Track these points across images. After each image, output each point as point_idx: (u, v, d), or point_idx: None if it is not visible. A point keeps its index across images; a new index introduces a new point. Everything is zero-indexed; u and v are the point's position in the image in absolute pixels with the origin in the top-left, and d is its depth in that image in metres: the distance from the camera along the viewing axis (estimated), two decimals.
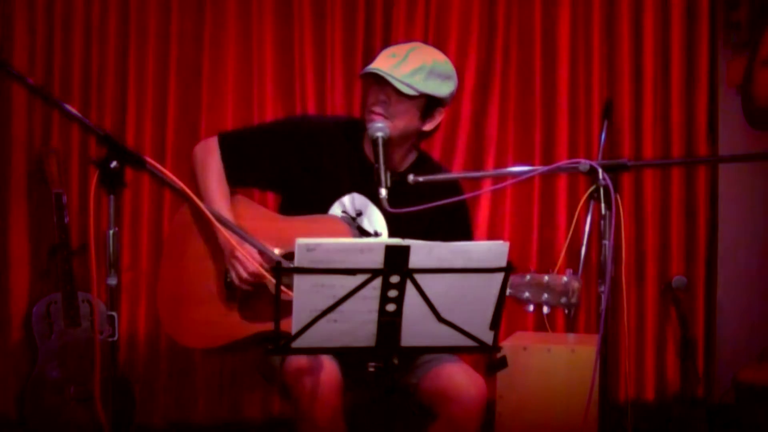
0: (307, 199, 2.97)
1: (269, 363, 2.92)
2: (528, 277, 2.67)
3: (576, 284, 2.64)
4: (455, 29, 4.36)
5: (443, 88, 2.92)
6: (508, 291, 2.57)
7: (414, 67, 2.87)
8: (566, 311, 2.69)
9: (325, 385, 2.66)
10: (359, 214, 2.98)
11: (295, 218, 2.95)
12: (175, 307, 2.99)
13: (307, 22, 4.26)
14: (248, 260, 2.79)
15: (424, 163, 3.06)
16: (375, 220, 2.99)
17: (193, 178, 3.03)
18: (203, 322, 2.94)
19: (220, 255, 2.93)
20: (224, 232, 2.80)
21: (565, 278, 2.65)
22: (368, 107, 2.90)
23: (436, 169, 3.12)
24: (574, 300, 2.64)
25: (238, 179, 3.00)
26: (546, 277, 2.66)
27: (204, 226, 2.96)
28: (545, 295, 2.65)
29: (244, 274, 2.83)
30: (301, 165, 2.97)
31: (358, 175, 2.98)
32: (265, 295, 2.84)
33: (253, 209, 3.04)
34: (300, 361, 2.71)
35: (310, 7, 4.26)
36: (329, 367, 2.70)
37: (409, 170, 2.98)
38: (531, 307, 2.68)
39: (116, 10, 4.10)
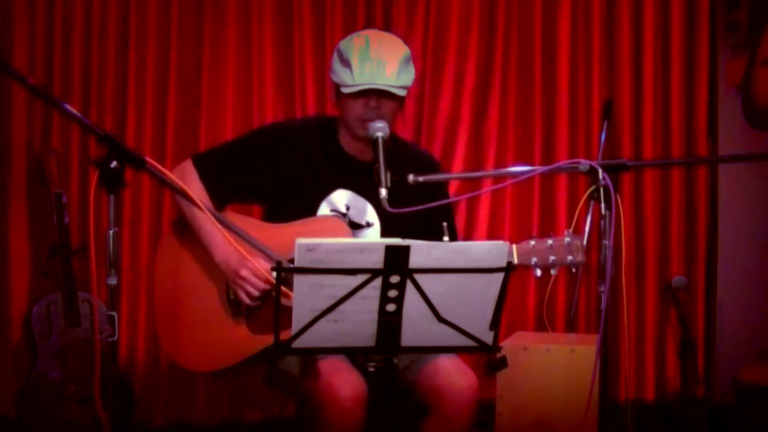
0: (294, 204, 2.94)
1: (284, 370, 2.89)
2: (532, 243, 2.72)
3: (578, 242, 2.71)
4: (455, 29, 4.36)
5: (413, 73, 2.93)
6: (516, 260, 2.69)
7: (397, 65, 2.85)
8: (573, 270, 2.75)
9: (351, 399, 2.64)
10: (347, 209, 2.98)
11: (291, 224, 2.91)
12: (178, 333, 2.93)
13: (307, 22, 4.26)
14: (255, 278, 2.77)
15: (395, 144, 2.99)
16: (364, 211, 2.98)
17: (175, 204, 2.99)
18: (211, 343, 2.89)
19: (216, 271, 2.88)
20: (221, 251, 2.78)
21: (567, 238, 2.71)
22: (360, 117, 2.85)
23: (402, 147, 3.07)
24: (579, 258, 2.70)
25: (221, 197, 2.94)
26: (549, 241, 2.71)
27: (194, 245, 2.92)
28: (552, 258, 2.71)
29: (255, 293, 2.79)
30: (282, 172, 2.94)
31: (340, 170, 2.97)
32: (273, 304, 2.82)
33: (246, 222, 2.98)
34: (327, 373, 2.69)
35: (310, 7, 4.26)
36: (356, 379, 2.69)
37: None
38: (539, 272, 2.73)
39: (116, 10, 4.10)
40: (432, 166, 3.10)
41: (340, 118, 2.98)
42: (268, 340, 2.76)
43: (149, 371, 4.11)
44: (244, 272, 2.78)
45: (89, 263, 3.39)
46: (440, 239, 2.84)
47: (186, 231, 2.95)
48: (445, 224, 2.93)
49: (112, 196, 2.22)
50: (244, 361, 2.86)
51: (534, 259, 2.72)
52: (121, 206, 4.05)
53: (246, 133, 3.15)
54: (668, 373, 4.42)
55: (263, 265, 2.73)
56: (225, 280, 2.89)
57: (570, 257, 2.71)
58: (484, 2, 4.38)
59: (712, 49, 4.49)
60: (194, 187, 2.86)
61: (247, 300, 2.81)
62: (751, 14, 4.35)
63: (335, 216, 2.94)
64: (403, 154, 2.98)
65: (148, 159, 2.29)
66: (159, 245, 3.06)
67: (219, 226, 2.60)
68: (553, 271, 2.74)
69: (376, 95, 2.84)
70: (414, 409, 2.90)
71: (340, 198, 2.97)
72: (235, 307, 2.88)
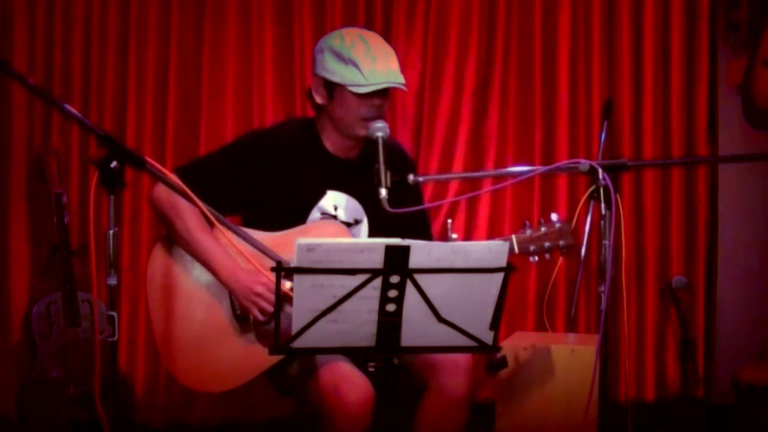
0: (285, 210, 2.92)
1: (286, 372, 2.86)
2: (528, 232, 2.89)
3: (567, 226, 2.92)
4: (455, 29, 4.36)
5: None
6: (516, 249, 2.87)
7: (397, 63, 2.88)
8: (563, 252, 2.92)
9: (359, 404, 2.64)
10: (335, 209, 2.97)
11: (290, 231, 2.88)
12: (188, 357, 2.86)
13: (307, 22, 4.26)
14: (271, 293, 2.72)
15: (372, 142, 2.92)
16: (351, 209, 2.97)
17: (163, 221, 2.90)
18: (222, 363, 2.83)
19: (214, 288, 2.84)
20: (226, 269, 2.76)
21: (557, 224, 2.92)
22: (363, 116, 2.84)
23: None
24: (570, 240, 2.93)
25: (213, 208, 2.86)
26: (543, 228, 2.90)
27: (184, 261, 2.88)
28: (547, 244, 2.90)
29: (271, 309, 2.74)
30: (271, 180, 2.91)
31: (326, 172, 2.96)
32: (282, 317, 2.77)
33: (241, 232, 2.95)
34: (334, 377, 2.68)
35: (310, 7, 4.26)
36: (363, 384, 2.68)
37: (364, 151, 2.97)
38: (534, 258, 2.91)
39: (116, 10, 4.10)
40: (406, 161, 3.11)
41: (323, 117, 2.95)
42: None
43: (149, 371, 4.11)
44: (259, 288, 2.74)
45: (89, 263, 3.38)
46: (422, 236, 2.86)
47: (173, 249, 2.90)
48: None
49: (112, 196, 2.21)
50: (263, 373, 2.82)
51: (532, 247, 2.90)
52: (121, 206, 4.05)
53: (229, 143, 3.09)
54: (668, 373, 4.42)
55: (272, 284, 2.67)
56: (226, 296, 2.84)
57: (562, 241, 2.91)
58: (484, 2, 4.38)
59: (712, 49, 4.49)
60: (183, 201, 2.73)
61: (261, 317, 2.77)
62: (751, 14, 4.34)
63: (332, 220, 2.93)
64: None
65: (148, 159, 2.28)
66: (148, 263, 2.95)
67: (222, 228, 2.56)
68: (547, 256, 2.92)
69: (381, 94, 2.84)
70: (411, 387, 2.91)
71: (329, 199, 2.97)
72: (242, 322, 2.84)
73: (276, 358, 2.69)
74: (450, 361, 2.80)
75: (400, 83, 2.85)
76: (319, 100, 2.92)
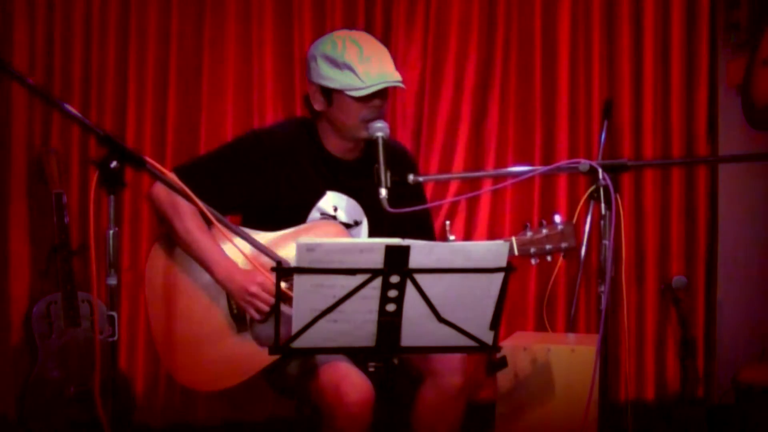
0: (284, 210, 2.92)
1: (286, 372, 2.86)
2: (529, 234, 2.86)
3: (569, 228, 2.88)
4: (455, 29, 4.36)
5: None
6: (516, 251, 2.83)
7: (392, 61, 2.88)
8: (565, 254, 2.90)
9: (359, 403, 2.64)
10: (335, 209, 2.97)
11: (287, 231, 2.88)
12: (183, 355, 2.87)
13: (307, 22, 4.26)
14: (265, 293, 2.72)
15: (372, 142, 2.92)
16: (351, 210, 2.97)
17: (162, 220, 2.91)
18: (219, 362, 2.83)
19: (211, 287, 2.84)
20: (223, 268, 2.76)
21: (560, 226, 2.87)
22: (364, 118, 2.84)
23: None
24: (572, 242, 2.88)
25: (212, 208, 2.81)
26: (544, 230, 2.86)
27: (183, 261, 2.87)
28: (548, 246, 2.86)
29: (267, 309, 2.74)
30: (271, 179, 2.90)
31: (326, 172, 2.96)
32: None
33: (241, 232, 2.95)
34: (335, 377, 2.68)
35: (310, 8, 4.26)
36: (363, 383, 2.68)
37: (364, 152, 2.97)
38: (535, 260, 2.88)
39: (116, 10, 4.10)
40: (408, 161, 3.11)
41: (323, 120, 2.94)
42: None
43: (149, 371, 4.11)
44: (254, 288, 2.73)
45: (89, 263, 3.38)
46: (425, 236, 2.85)
47: (171, 249, 2.90)
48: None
49: (112, 196, 2.21)
50: (260, 372, 2.81)
51: (532, 249, 2.86)
52: (121, 206, 4.05)
53: (228, 142, 3.10)
54: (668, 373, 4.42)
55: (272, 278, 2.65)
56: (224, 296, 2.84)
57: (564, 243, 2.87)
58: (484, 2, 4.38)
59: (712, 49, 4.49)
60: (182, 200, 2.72)
61: (257, 316, 2.76)
62: (751, 14, 4.35)
63: (331, 220, 2.93)
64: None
65: (148, 159, 2.28)
66: (147, 264, 2.95)
67: (221, 227, 2.55)
68: (548, 258, 2.89)
69: (380, 95, 2.84)
70: (409, 381, 2.91)
71: (328, 200, 2.96)
72: (239, 322, 2.83)
73: (273, 358, 2.67)
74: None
75: (397, 81, 2.85)
76: (317, 107, 2.91)
